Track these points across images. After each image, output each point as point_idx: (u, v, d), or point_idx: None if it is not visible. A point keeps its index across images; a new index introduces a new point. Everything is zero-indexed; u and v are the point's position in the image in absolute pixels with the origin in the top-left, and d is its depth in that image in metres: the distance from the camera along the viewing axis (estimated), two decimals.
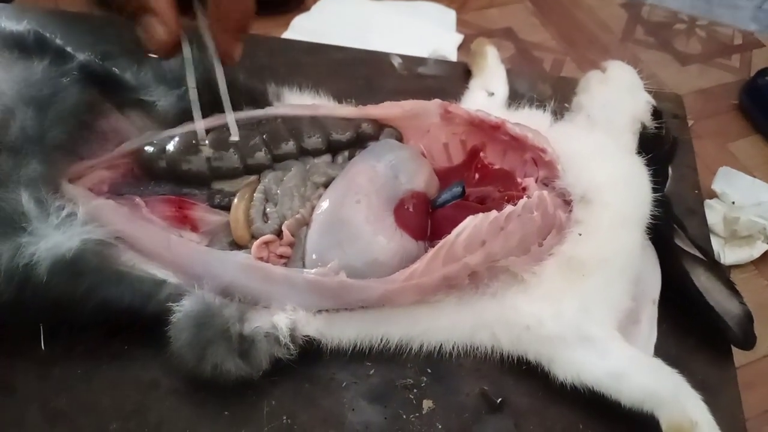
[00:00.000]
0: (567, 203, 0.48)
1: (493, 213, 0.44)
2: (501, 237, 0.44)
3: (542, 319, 0.43)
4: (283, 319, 0.41)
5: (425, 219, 0.47)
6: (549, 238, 0.46)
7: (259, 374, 0.41)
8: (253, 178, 0.47)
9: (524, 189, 0.48)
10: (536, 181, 0.49)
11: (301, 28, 0.76)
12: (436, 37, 0.78)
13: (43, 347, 0.41)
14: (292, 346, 0.41)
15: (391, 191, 0.46)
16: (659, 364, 0.42)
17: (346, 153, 0.50)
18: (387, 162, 0.47)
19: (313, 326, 0.42)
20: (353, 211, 0.44)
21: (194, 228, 0.45)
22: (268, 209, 0.45)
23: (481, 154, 0.51)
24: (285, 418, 0.42)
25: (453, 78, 0.67)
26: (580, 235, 0.46)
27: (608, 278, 0.45)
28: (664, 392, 0.40)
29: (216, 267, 0.42)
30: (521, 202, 0.45)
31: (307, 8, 0.79)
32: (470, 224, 0.44)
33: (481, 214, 0.44)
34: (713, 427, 0.39)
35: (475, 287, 0.45)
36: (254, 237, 0.44)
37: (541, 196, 0.46)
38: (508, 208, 0.45)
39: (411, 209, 0.46)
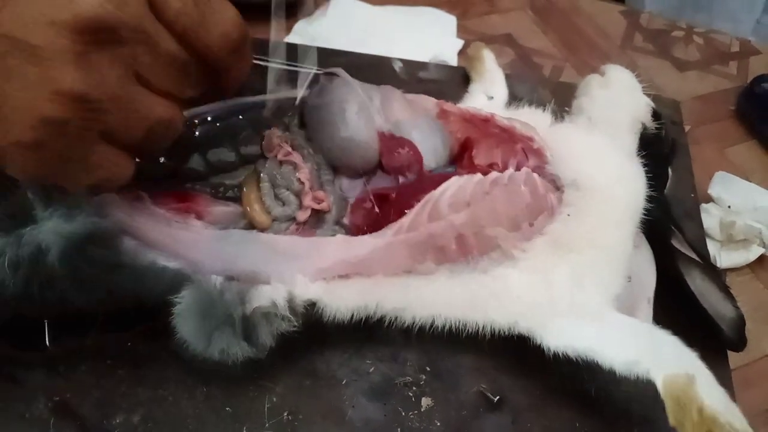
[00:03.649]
0: (558, 188, 0.49)
1: (478, 175, 0.46)
2: (486, 201, 0.45)
3: (533, 288, 0.44)
4: (281, 293, 0.42)
5: (407, 166, 0.49)
6: (540, 218, 0.46)
7: (265, 353, 0.41)
8: (250, 168, 0.48)
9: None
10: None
11: (303, 33, 0.77)
12: (437, 42, 0.79)
13: (47, 344, 0.42)
14: (292, 318, 0.41)
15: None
16: (650, 326, 0.42)
17: None
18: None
19: (312, 292, 0.43)
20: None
21: (199, 217, 0.45)
22: (279, 193, 0.47)
23: (474, 150, 0.52)
24: (286, 414, 0.43)
25: (453, 82, 0.68)
26: (569, 215, 0.46)
27: (598, 257, 0.45)
28: (656, 350, 0.40)
29: (218, 246, 0.43)
30: (507, 172, 0.47)
31: (309, 13, 0.80)
32: (455, 183, 0.45)
33: (465, 175, 0.46)
34: (711, 380, 0.39)
35: (465, 261, 0.45)
36: (276, 220, 0.46)
37: (529, 173, 0.47)
38: (494, 173, 0.46)
39: (400, 151, 0.49)
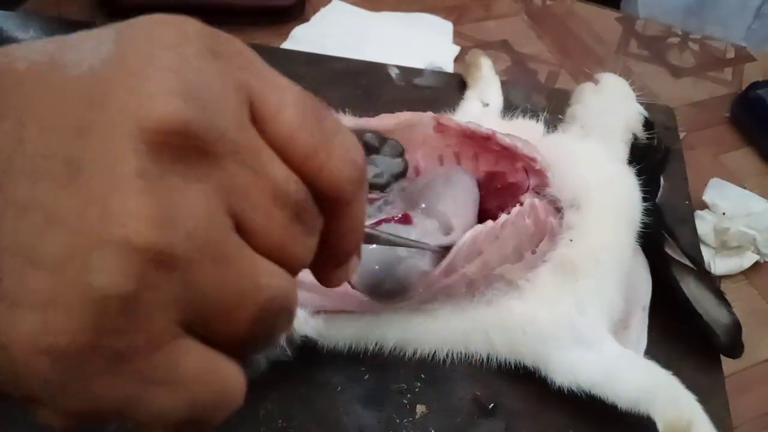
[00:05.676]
0: (558, 210, 0.49)
1: (489, 223, 0.45)
2: (496, 245, 0.45)
3: (537, 322, 0.44)
4: None
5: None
6: (542, 244, 0.47)
7: (258, 376, 0.41)
8: None
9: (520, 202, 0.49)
10: (528, 190, 0.50)
11: (300, 39, 0.77)
12: (433, 48, 0.79)
13: None
14: (288, 350, 0.42)
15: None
16: (652, 365, 0.43)
17: None
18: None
19: (310, 326, 0.43)
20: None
21: None
22: None
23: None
24: (280, 421, 0.43)
25: (449, 89, 0.69)
26: (571, 240, 0.47)
27: (600, 280, 0.46)
28: (658, 392, 0.41)
29: None
30: (514, 210, 0.46)
31: (306, 19, 0.80)
32: (468, 237, 0.44)
33: (478, 226, 0.45)
34: (708, 425, 0.40)
35: (470, 295, 0.46)
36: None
37: (533, 204, 0.47)
38: (503, 216, 0.46)
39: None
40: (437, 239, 0.44)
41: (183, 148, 0.18)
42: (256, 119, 0.20)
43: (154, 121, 0.17)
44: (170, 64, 0.18)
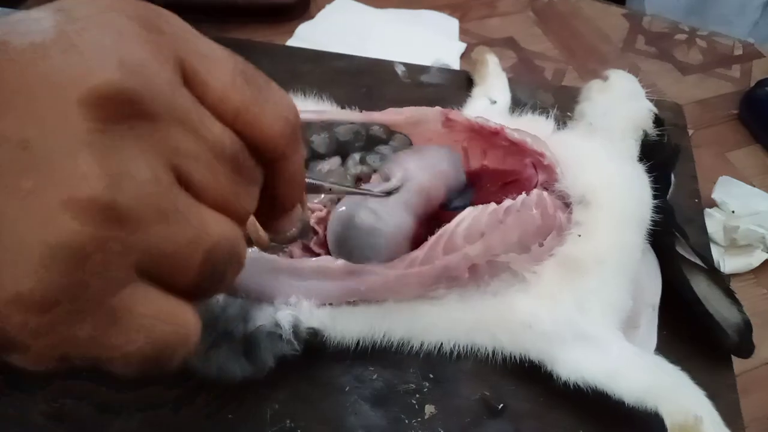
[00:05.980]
0: (567, 205, 0.49)
1: (492, 205, 0.46)
2: (500, 230, 0.45)
3: (540, 317, 0.44)
4: (286, 316, 0.41)
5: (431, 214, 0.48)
6: (549, 239, 0.46)
7: (264, 373, 0.41)
8: None
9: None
10: (536, 185, 0.49)
11: (305, 36, 0.77)
12: (438, 45, 0.79)
13: None
14: (295, 343, 0.41)
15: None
16: (660, 361, 0.43)
17: (357, 157, 0.50)
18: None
19: (317, 319, 0.42)
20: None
21: None
22: None
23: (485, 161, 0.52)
24: (288, 421, 0.42)
25: (455, 86, 0.68)
26: (580, 236, 0.46)
27: (606, 277, 0.46)
28: (665, 388, 0.41)
29: None
30: (520, 197, 0.46)
31: (311, 16, 0.80)
32: (469, 215, 0.45)
33: (480, 206, 0.46)
34: (718, 421, 0.39)
35: (476, 285, 0.45)
36: (273, 241, 0.45)
37: (540, 195, 0.47)
38: (507, 201, 0.46)
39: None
40: (380, 186, 0.46)
41: (122, 112, 0.19)
42: (189, 83, 0.22)
43: (93, 89, 0.19)
44: (106, 38, 0.20)
